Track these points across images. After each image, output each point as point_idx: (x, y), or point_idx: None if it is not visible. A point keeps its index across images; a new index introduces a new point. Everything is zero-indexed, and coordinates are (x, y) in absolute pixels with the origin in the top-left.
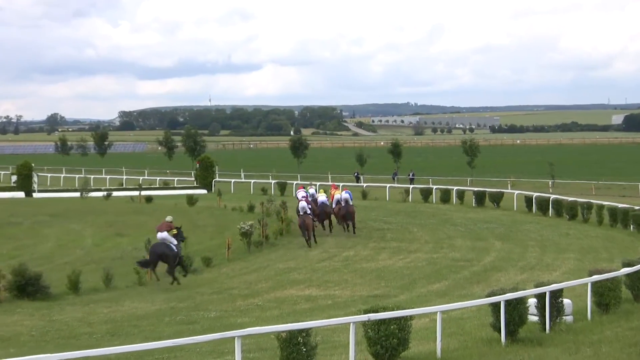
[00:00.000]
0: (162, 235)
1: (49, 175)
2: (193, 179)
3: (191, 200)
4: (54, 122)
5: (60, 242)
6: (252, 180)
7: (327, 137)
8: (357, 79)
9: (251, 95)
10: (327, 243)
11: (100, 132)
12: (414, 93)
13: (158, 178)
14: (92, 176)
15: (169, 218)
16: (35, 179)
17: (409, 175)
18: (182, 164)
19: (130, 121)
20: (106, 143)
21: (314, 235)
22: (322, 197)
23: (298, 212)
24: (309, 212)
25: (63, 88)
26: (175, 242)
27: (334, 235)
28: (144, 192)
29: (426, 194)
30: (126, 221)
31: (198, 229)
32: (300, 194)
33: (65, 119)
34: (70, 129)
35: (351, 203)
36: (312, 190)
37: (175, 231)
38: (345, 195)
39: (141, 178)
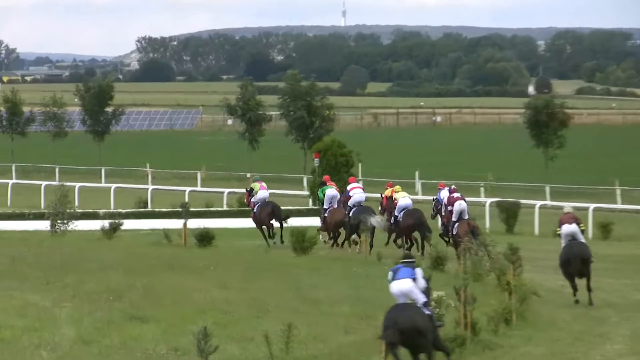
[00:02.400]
0: None
1: None
2: (306, 191)
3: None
4: None
5: (1, 334)
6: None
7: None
8: None
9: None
10: None
11: (96, 83)
12: None
13: (226, 191)
14: (75, 184)
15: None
16: None
17: None
18: (283, 158)
19: (160, 60)
20: (108, 112)
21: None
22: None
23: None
24: None
25: None
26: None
27: None
28: (194, 222)
29: None
30: (152, 287)
31: None
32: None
33: (18, 55)
34: (31, 76)
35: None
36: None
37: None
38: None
39: (187, 190)
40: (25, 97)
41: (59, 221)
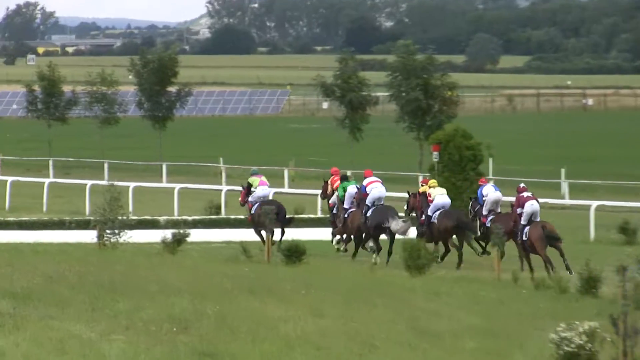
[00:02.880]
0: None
1: None
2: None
3: None
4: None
5: None
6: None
7: None
8: None
9: None
10: None
11: (156, 55)
12: None
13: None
14: (129, 184)
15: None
16: None
17: None
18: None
19: (237, 26)
20: (172, 92)
21: None
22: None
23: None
24: None
25: None
26: None
27: None
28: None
29: None
30: (227, 315)
31: None
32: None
33: (57, 20)
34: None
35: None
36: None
37: None
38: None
39: (272, 191)
40: (65, 74)
41: (108, 231)
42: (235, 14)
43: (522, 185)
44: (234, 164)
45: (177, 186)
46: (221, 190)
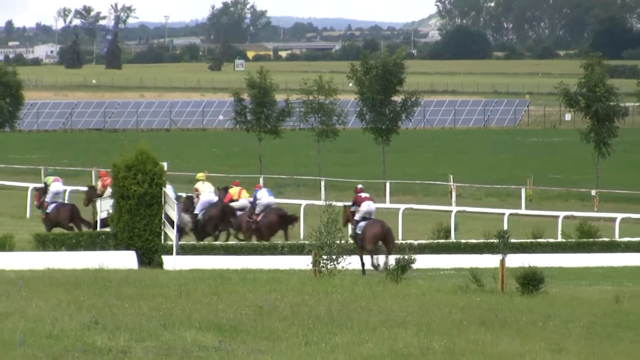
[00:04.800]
0: None
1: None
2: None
3: None
4: None
5: None
6: None
7: None
8: None
9: None
10: None
11: (380, 60)
12: None
13: (561, 214)
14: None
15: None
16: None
17: None
18: None
19: (471, 28)
20: (397, 102)
21: None
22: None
23: None
24: None
25: None
26: None
27: None
28: (517, 258)
29: None
30: (456, 350)
31: None
32: None
33: (269, 20)
34: (287, 50)
35: None
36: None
37: None
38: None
39: (507, 213)
40: (278, 81)
41: (324, 256)
42: (469, 13)
43: (360, 186)
44: (465, 182)
45: (402, 207)
46: (451, 211)
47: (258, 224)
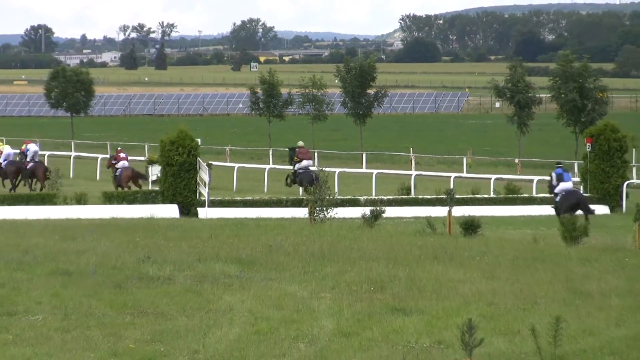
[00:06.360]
0: None
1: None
2: (577, 177)
3: None
4: None
5: (258, 325)
6: None
7: None
8: None
9: None
10: None
11: (358, 63)
12: None
13: (493, 177)
14: (335, 169)
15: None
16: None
17: None
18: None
19: (425, 39)
20: (370, 94)
21: None
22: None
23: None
24: None
25: None
26: None
27: None
28: (460, 209)
29: None
30: (415, 277)
31: None
32: None
33: (276, 34)
34: (289, 56)
35: None
36: None
37: None
38: None
39: (452, 176)
40: (282, 78)
41: (318, 208)
42: (424, 28)
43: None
44: (422, 153)
45: (375, 171)
46: (411, 174)
47: None
